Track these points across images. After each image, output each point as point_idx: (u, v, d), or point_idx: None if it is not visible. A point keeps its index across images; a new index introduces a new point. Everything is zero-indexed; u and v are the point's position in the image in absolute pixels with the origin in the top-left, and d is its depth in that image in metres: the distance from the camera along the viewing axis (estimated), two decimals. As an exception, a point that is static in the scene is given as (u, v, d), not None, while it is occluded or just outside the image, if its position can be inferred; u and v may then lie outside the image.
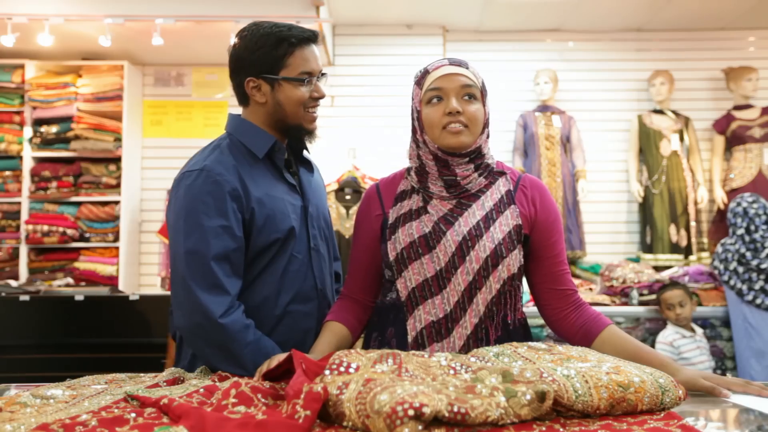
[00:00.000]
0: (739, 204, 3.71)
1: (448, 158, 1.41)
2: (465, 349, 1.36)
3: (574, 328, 1.43)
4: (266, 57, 1.49)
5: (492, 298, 1.38)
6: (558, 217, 1.50)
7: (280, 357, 1.15)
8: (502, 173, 1.48)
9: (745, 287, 3.50)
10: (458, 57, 1.48)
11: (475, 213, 1.41)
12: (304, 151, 1.65)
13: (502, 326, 1.41)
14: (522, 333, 1.47)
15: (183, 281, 1.39)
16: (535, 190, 1.49)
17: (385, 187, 1.53)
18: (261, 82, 1.51)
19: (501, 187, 1.45)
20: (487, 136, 1.46)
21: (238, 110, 1.62)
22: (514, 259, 1.40)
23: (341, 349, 1.40)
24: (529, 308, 1.84)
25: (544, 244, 1.46)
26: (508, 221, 1.41)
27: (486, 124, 1.44)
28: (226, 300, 1.38)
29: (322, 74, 1.56)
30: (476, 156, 1.42)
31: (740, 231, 3.61)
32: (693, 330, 3.46)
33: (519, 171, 1.52)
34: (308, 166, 1.67)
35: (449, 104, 1.39)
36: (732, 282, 3.57)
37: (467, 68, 1.43)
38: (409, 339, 1.39)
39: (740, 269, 3.55)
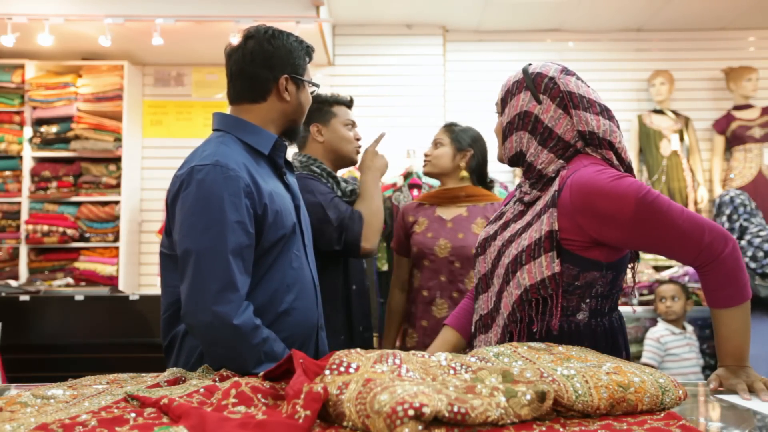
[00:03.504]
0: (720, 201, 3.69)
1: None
2: None
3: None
4: (300, 60, 1.60)
5: (514, 304, 1.37)
6: (615, 213, 1.26)
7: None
8: (557, 176, 1.37)
9: None
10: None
11: (524, 220, 1.44)
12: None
13: (526, 334, 1.36)
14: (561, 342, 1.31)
15: (196, 277, 1.36)
16: (576, 193, 1.30)
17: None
18: (290, 82, 1.58)
19: (552, 189, 1.38)
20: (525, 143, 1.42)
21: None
22: (539, 266, 1.32)
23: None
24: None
25: (623, 243, 1.32)
26: (541, 227, 1.34)
27: (507, 133, 1.45)
28: (238, 298, 1.37)
29: None
30: (520, 163, 1.46)
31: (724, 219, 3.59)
32: (683, 327, 3.48)
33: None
34: (290, 167, 1.71)
35: None
36: None
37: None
38: (473, 328, 1.51)
39: None
